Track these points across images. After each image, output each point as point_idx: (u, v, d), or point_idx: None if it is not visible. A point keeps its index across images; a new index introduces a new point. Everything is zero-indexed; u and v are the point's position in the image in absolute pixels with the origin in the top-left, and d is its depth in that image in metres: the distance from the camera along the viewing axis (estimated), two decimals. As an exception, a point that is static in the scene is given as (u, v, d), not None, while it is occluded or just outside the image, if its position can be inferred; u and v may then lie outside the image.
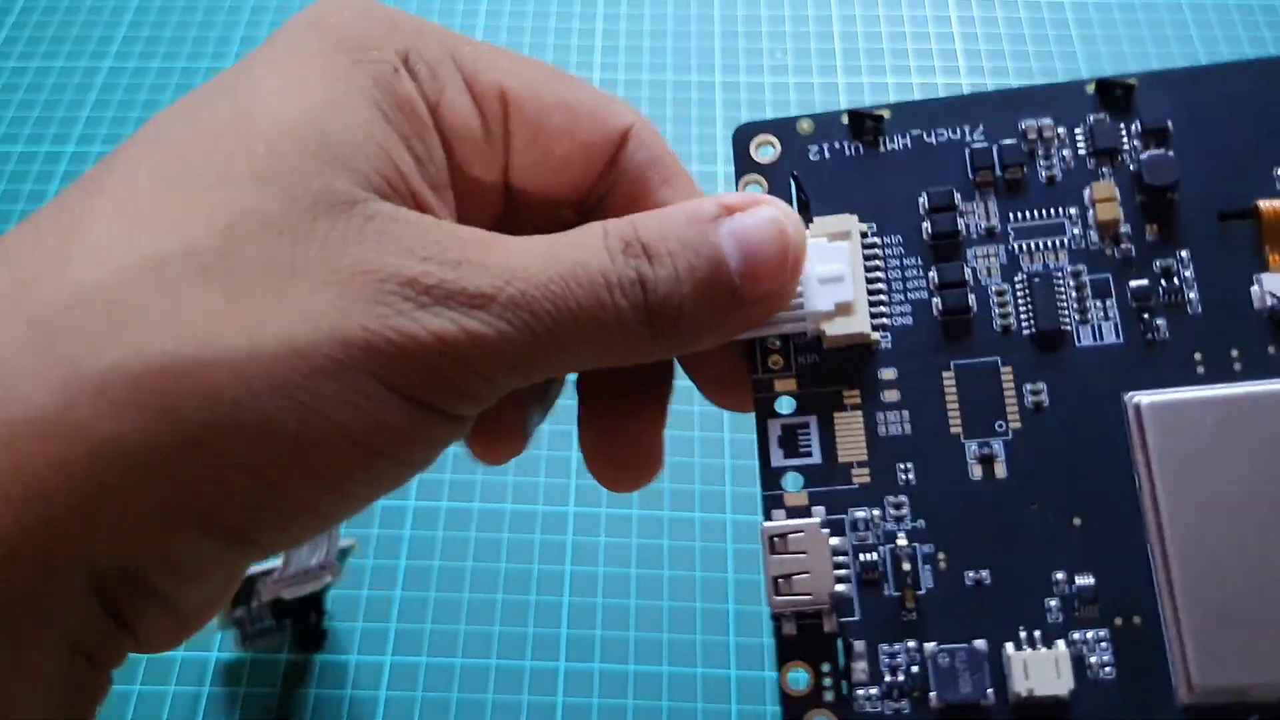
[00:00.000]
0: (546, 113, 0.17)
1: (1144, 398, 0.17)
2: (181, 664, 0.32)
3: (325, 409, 0.13)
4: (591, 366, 0.17)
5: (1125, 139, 0.19)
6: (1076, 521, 0.17)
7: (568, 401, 0.37)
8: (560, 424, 0.37)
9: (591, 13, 0.49)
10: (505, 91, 0.17)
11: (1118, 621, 0.17)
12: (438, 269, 0.14)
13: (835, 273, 0.18)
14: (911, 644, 0.17)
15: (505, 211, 0.19)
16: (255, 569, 0.27)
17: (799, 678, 0.17)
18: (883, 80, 0.47)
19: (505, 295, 0.14)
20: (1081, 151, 0.19)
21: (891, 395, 0.18)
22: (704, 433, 0.36)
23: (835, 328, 0.18)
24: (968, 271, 0.18)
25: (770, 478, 0.18)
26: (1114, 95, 0.19)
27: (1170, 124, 0.19)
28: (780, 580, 0.17)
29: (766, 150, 0.20)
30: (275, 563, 0.27)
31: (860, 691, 0.17)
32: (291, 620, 0.31)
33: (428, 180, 0.16)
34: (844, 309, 0.18)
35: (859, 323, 0.18)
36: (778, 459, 0.18)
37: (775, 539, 0.17)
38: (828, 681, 0.17)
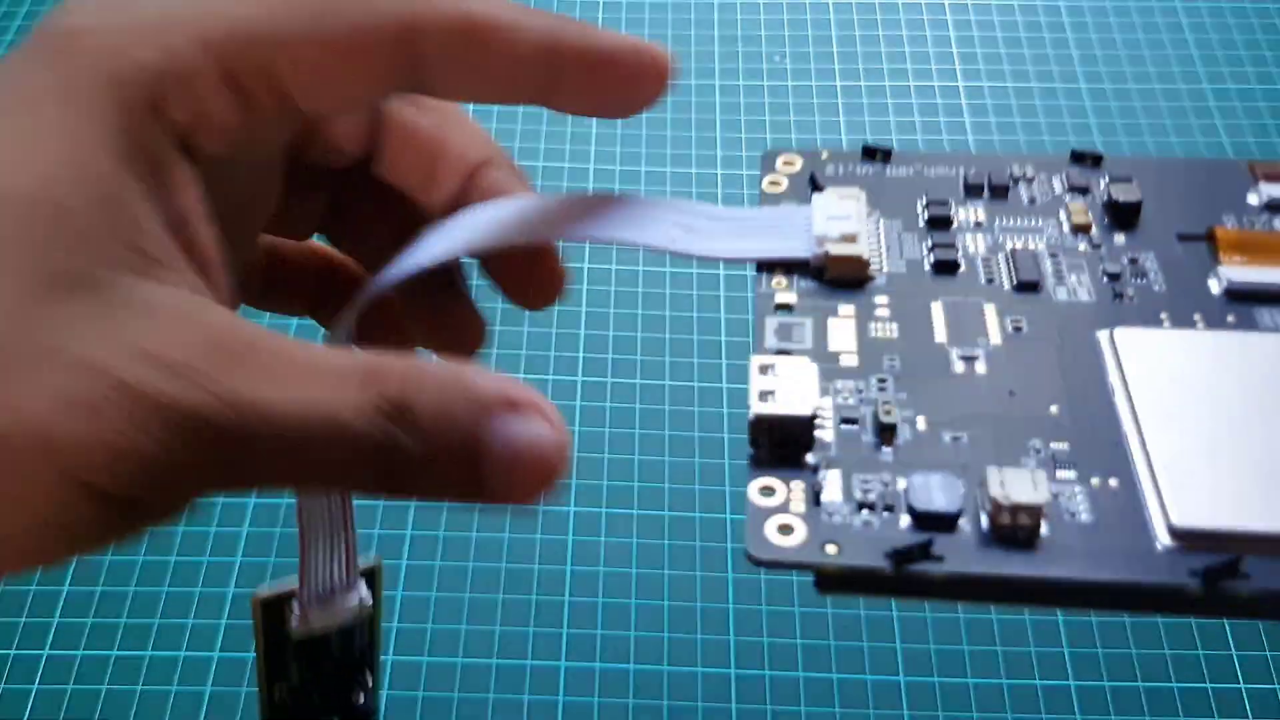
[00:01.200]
0: (322, 74, 0.15)
1: (1119, 330, 0.19)
2: (183, 663, 0.32)
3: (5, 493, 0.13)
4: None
5: (1097, 182, 0.22)
6: (1054, 409, 0.18)
7: (566, 403, 0.37)
8: (560, 425, 0.37)
9: (591, 18, 0.49)
10: (274, 72, 0.15)
11: (1094, 481, 0.17)
12: (161, 379, 0.13)
13: (843, 212, 0.20)
14: (886, 476, 0.17)
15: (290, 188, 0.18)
16: (269, 591, 0.22)
17: (770, 488, 0.17)
18: (880, 83, 0.47)
19: (223, 420, 0.13)
20: (1058, 189, 0.22)
21: (883, 312, 0.20)
22: (704, 434, 0.36)
23: (839, 248, 0.20)
24: (958, 241, 0.21)
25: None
26: (1086, 159, 0.22)
27: (1134, 178, 0.22)
28: (764, 394, 0.18)
29: (790, 166, 0.23)
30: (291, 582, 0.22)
31: (829, 502, 0.17)
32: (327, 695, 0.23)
33: (187, 234, 0.15)
34: (848, 239, 0.20)
35: (861, 249, 0.20)
36: (771, 344, 0.19)
37: (763, 366, 0.18)
38: (800, 495, 0.17)
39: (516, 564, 0.34)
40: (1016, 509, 0.16)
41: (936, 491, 0.17)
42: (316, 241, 0.21)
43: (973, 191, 0.22)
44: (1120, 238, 0.21)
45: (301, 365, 0.14)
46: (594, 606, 0.33)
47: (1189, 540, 0.16)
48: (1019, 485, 0.16)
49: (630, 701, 0.31)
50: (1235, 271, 0.20)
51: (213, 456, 0.13)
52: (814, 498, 0.17)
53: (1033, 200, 0.22)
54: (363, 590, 0.22)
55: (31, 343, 0.13)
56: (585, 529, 0.34)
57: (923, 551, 0.16)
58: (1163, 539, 0.16)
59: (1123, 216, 0.21)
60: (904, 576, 0.16)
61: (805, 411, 0.17)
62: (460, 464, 0.14)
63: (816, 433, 0.17)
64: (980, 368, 0.19)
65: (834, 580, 0.16)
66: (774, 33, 0.49)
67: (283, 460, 0.14)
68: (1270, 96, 0.47)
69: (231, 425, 0.13)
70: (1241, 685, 0.31)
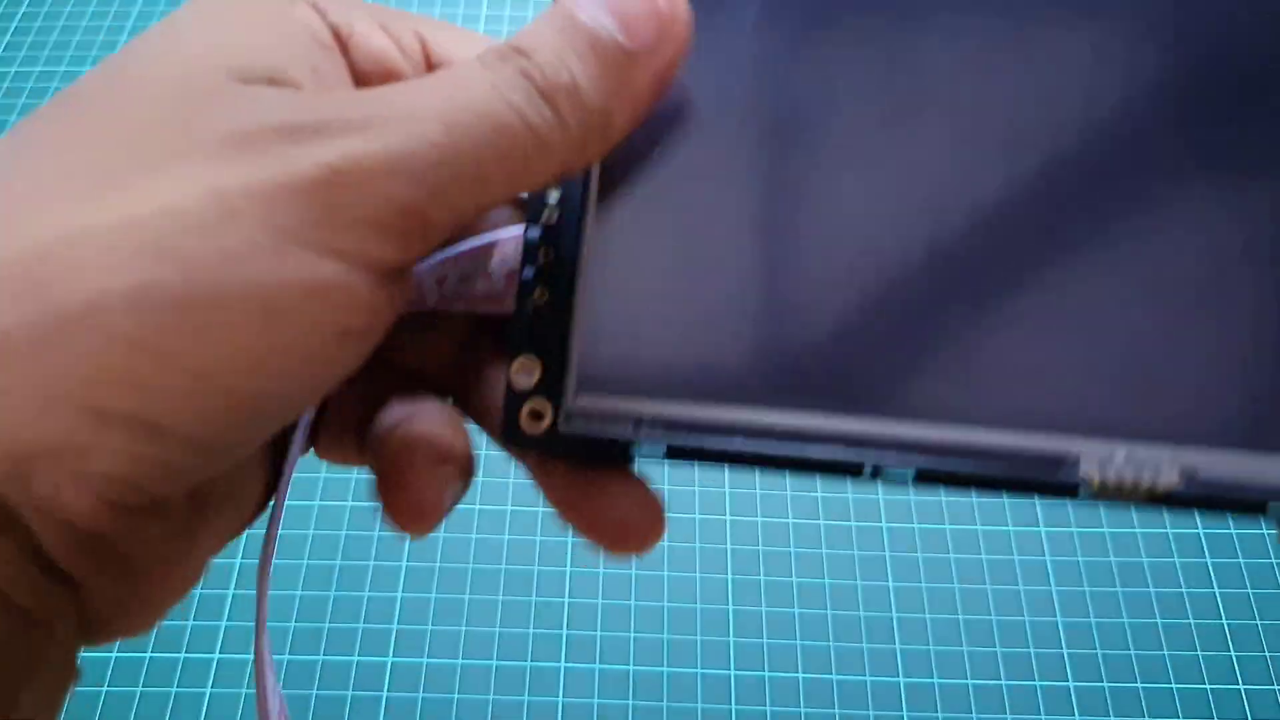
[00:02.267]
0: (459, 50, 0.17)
1: None
2: (184, 664, 0.32)
3: (210, 264, 0.12)
4: (517, 183, 0.15)
5: None
6: None
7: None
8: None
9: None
10: (421, 33, 0.17)
11: None
12: (309, 110, 0.13)
13: None
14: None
15: None
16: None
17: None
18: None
19: (387, 112, 0.14)
20: None
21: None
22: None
23: None
24: None
25: None
26: None
27: None
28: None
29: None
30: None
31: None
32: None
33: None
34: None
35: None
36: None
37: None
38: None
39: (516, 565, 0.34)
40: None
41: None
42: None
43: None
44: None
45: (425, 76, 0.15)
46: (594, 608, 0.33)
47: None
48: None
49: (630, 702, 0.31)
50: None
51: (390, 145, 0.13)
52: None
53: None
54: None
55: (176, 138, 0.13)
56: (585, 530, 0.35)
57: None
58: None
59: None
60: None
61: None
62: (589, 45, 0.15)
63: None
64: None
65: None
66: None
67: (454, 130, 0.14)
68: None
69: (396, 114, 0.14)
70: (1240, 686, 0.32)
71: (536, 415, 0.17)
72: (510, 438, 0.17)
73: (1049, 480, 0.16)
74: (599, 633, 0.33)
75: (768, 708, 0.31)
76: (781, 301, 0.17)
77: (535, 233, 0.18)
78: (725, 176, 0.18)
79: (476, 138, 0.14)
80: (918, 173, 0.18)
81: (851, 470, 0.16)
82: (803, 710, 0.31)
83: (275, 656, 0.32)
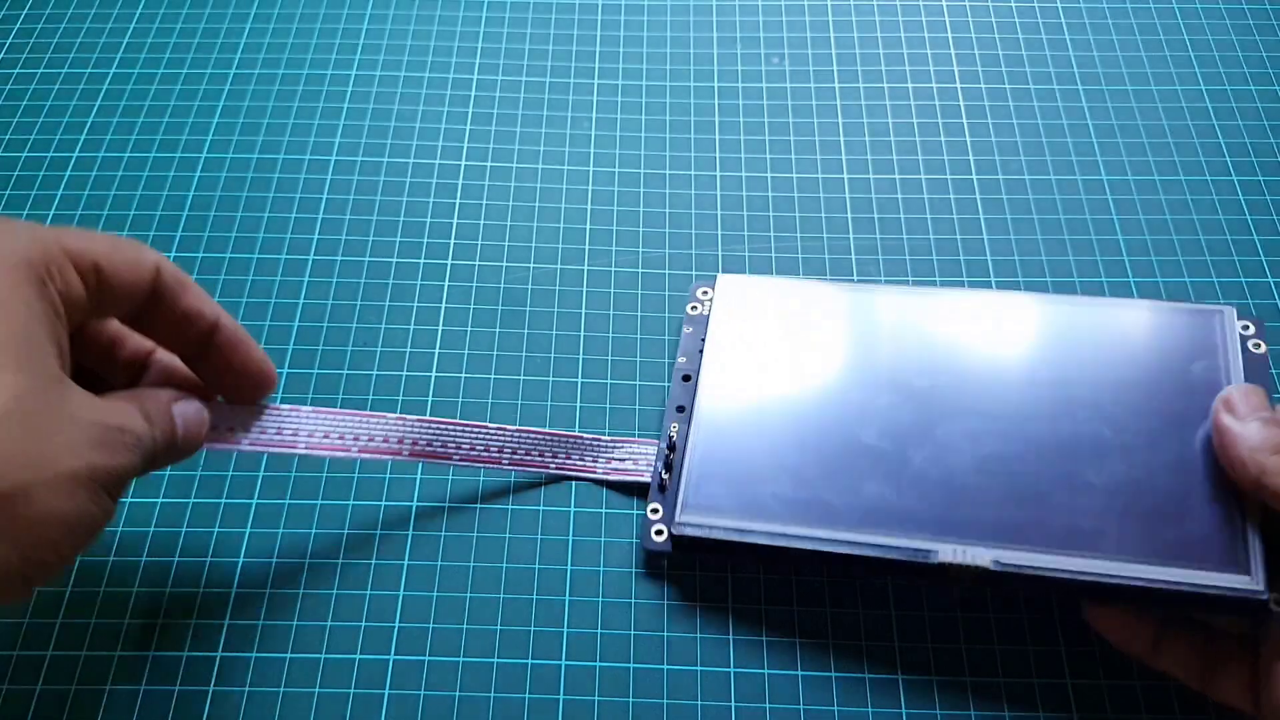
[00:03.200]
0: (117, 268, 0.26)
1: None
2: (186, 663, 0.32)
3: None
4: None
5: None
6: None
7: (567, 405, 0.37)
8: (563, 424, 0.37)
9: (591, 18, 0.50)
10: (96, 263, 0.26)
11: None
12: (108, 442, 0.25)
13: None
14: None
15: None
16: None
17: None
18: (879, 85, 0.48)
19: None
20: None
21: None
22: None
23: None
24: None
25: None
26: None
27: None
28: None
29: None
30: None
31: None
32: None
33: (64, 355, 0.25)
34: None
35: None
36: None
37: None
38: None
39: (517, 565, 0.34)
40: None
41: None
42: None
43: None
44: None
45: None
46: (595, 606, 0.33)
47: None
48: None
49: (630, 701, 0.31)
50: None
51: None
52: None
53: None
54: None
55: (61, 413, 0.24)
56: (586, 529, 0.35)
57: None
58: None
59: None
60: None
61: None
62: (167, 438, 0.28)
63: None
64: None
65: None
66: (773, 34, 0.49)
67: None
68: (1268, 98, 0.47)
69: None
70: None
71: (659, 533, 0.34)
72: (644, 546, 0.34)
73: (924, 562, 0.31)
74: (599, 632, 0.33)
75: (766, 706, 0.31)
76: (790, 467, 0.33)
77: (664, 444, 0.35)
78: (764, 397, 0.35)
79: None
80: (871, 389, 0.34)
81: (824, 560, 0.31)
82: (801, 708, 0.31)
83: (276, 656, 0.32)
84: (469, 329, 0.40)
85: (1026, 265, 0.41)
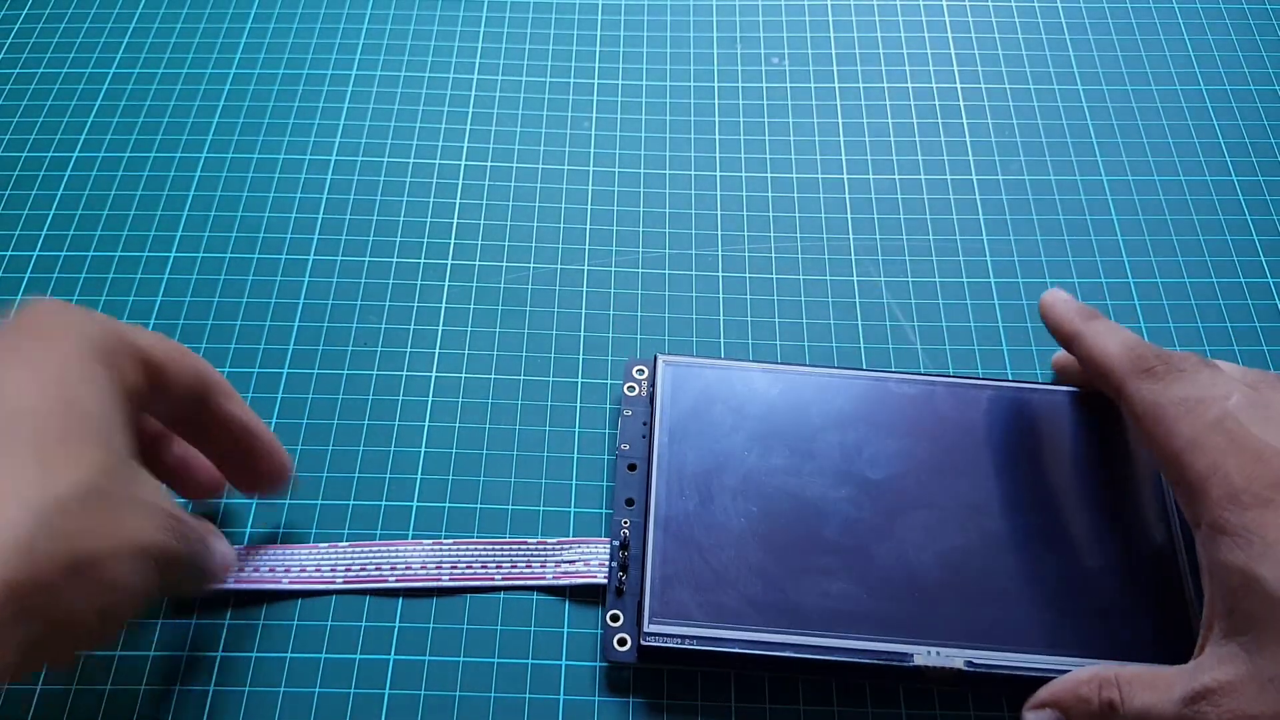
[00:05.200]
0: (175, 369, 0.28)
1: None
2: (187, 662, 0.32)
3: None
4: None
5: None
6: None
7: (567, 404, 0.37)
8: (562, 426, 0.37)
9: (591, 19, 0.50)
10: (157, 362, 0.28)
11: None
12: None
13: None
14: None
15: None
16: None
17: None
18: (879, 85, 0.48)
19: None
20: None
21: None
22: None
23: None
24: None
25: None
26: None
27: None
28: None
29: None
30: None
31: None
32: None
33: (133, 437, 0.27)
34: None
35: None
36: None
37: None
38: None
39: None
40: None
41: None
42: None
43: None
44: None
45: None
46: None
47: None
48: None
49: (630, 700, 0.31)
50: None
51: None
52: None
53: None
54: None
55: (134, 492, 0.26)
56: (586, 529, 0.35)
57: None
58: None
59: None
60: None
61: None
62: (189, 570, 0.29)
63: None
64: None
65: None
66: (773, 34, 0.49)
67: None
68: (1268, 98, 0.47)
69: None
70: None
71: (622, 641, 0.31)
72: (606, 657, 0.32)
73: (900, 665, 0.30)
74: (599, 631, 0.33)
75: (766, 705, 0.31)
76: (757, 568, 0.32)
77: (616, 542, 0.33)
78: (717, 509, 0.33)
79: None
80: (829, 482, 0.34)
81: (802, 666, 0.31)
82: (801, 708, 0.31)
83: (277, 655, 0.32)
84: (469, 329, 0.40)
85: (1026, 266, 0.41)
